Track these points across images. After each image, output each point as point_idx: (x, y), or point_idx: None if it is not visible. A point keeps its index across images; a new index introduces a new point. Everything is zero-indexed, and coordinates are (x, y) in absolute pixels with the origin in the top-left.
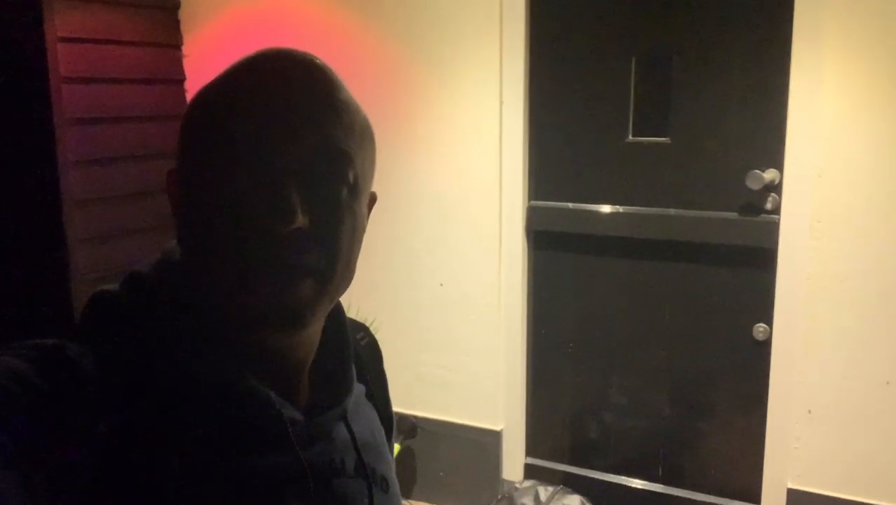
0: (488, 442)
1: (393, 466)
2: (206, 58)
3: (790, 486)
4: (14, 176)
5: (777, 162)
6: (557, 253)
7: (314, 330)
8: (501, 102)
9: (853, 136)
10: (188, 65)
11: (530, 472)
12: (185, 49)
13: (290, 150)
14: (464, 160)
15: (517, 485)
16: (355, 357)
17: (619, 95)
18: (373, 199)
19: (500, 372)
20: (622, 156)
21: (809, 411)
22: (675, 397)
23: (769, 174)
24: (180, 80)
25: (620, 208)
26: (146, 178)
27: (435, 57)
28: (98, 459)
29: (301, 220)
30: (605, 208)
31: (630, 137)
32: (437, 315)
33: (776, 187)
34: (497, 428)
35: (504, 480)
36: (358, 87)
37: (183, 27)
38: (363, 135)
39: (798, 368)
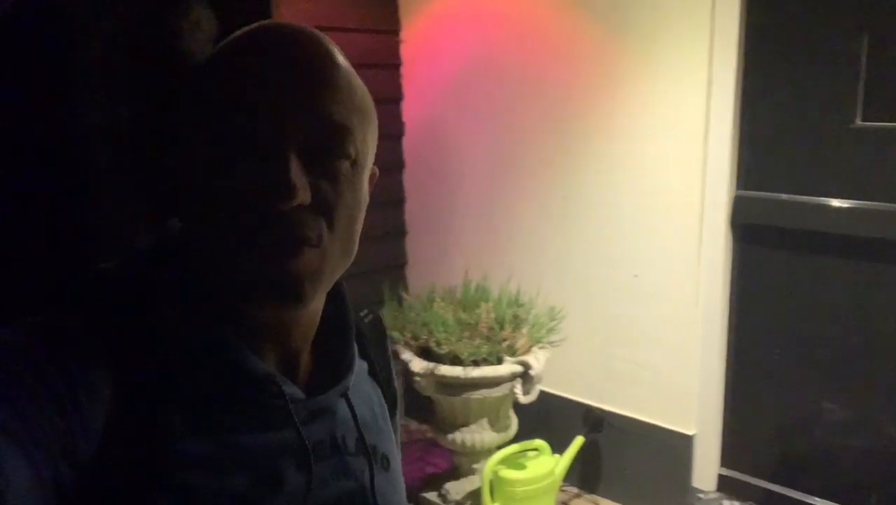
0: (679, 446)
1: (395, 444)
2: (422, 42)
3: None
4: None
5: None
6: (767, 249)
7: (315, 307)
8: (710, 81)
9: None
10: (405, 49)
11: (724, 484)
12: (403, 34)
13: (291, 125)
14: (665, 144)
15: (700, 495)
16: (358, 334)
17: (847, 74)
18: (374, 176)
19: (695, 372)
20: (848, 142)
21: None
22: None
23: None
24: (397, 64)
25: (845, 202)
26: None
27: (637, 33)
28: (97, 434)
29: (302, 196)
30: (828, 201)
31: (858, 122)
32: (629, 307)
33: None
34: (689, 432)
35: (694, 488)
36: (555, 68)
37: (401, 12)
38: (363, 110)
39: None
